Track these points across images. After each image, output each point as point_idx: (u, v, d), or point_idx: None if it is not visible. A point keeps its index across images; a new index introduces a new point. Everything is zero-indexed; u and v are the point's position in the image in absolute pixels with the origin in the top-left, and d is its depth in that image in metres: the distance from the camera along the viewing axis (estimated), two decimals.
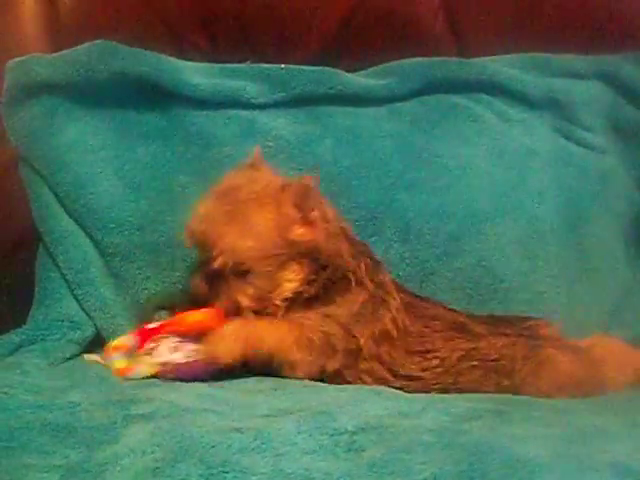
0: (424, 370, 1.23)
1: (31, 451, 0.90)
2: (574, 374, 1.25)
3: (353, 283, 1.23)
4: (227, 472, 0.82)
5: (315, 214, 1.21)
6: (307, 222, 1.21)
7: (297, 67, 1.46)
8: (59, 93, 1.39)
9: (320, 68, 1.47)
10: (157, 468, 0.83)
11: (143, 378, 1.17)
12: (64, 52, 1.40)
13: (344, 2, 1.55)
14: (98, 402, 1.02)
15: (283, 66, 1.46)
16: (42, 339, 1.31)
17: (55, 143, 1.38)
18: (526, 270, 1.42)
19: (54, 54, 1.41)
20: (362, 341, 1.21)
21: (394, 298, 1.25)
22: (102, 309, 1.35)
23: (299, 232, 1.21)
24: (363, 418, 0.97)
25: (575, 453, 0.89)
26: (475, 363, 1.23)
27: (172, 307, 1.28)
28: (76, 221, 1.37)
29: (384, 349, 1.23)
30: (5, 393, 1.04)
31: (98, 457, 0.87)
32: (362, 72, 1.52)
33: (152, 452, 0.86)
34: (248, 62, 1.47)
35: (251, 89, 1.44)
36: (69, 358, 1.30)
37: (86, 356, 1.30)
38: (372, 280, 1.25)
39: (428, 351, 1.23)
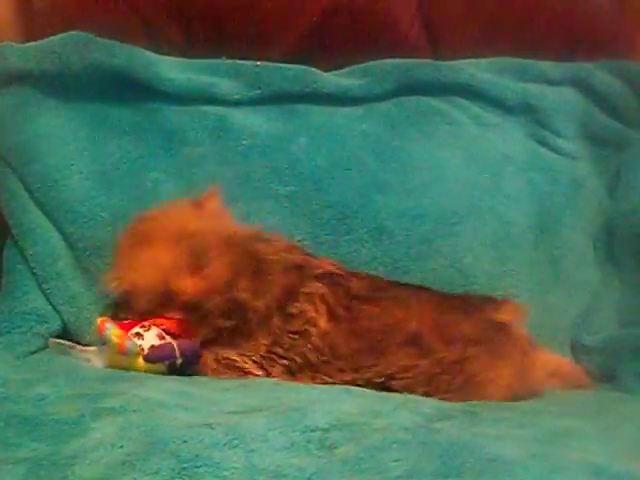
0: (355, 380, 1.20)
1: None
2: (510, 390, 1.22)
3: (254, 326, 1.21)
4: (199, 466, 0.81)
5: (208, 271, 1.21)
6: (197, 275, 1.21)
7: (273, 64, 1.46)
8: (32, 83, 1.38)
9: (296, 66, 1.46)
10: (127, 461, 0.81)
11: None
12: (38, 42, 1.38)
13: (321, 2, 1.54)
14: (66, 395, 1.01)
15: (259, 63, 1.45)
16: (8, 331, 1.29)
17: (26, 134, 1.36)
18: (497, 273, 1.42)
19: (27, 43, 1.39)
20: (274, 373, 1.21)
21: (315, 325, 1.21)
22: (69, 303, 1.33)
23: (183, 284, 1.21)
24: (335, 415, 0.96)
25: (548, 453, 0.89)
26: (410, 375, 1.19)
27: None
28: (46, 214, 1.35)
29: (305, 374, 1.21)
30: None
31: (66, 450, 0.86)
32: (338, 72, 1.51)
33: (121, 446, 0.85)
34: (223, 58, 1.46)
35: (226, 85, 1.43)
36: (35, 351, 1.27)
37: (51, 340, 1.29)
38: (284, 313, 1.22)
39: (361, 368, 1.20)
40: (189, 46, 1.51)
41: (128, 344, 1.17)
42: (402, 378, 1.19)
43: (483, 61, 1.55)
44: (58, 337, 1.31)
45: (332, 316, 1.22)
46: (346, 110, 1.48)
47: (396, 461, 0.84)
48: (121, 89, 1.39)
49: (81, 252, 1.34)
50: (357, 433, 0.92)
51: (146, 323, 1.20)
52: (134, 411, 0.95)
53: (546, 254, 1.46)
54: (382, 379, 1.19)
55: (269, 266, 1.24)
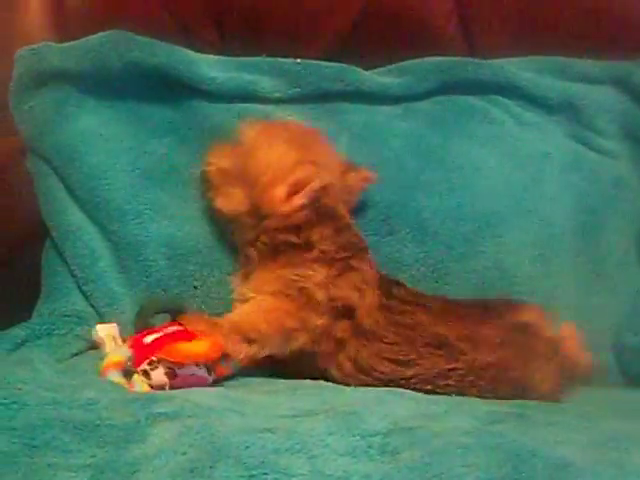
0: (400, 379, 1.19)
1: (55, 449, 0.86)
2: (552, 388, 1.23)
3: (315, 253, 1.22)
4: (267, 473, 0.80)
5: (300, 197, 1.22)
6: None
7: (313, 62, 1.44)
8: (71, 82, 1.37)
9: (336, 64, 1.45)
10: (195, 469, 0.80)
11: None
12: (77, 41, 1.37)
13: (357, 1, 1.53)
14: (117, 400, 0.98)
15: (299, 60, 1.44)
16: (48, 333, 1.27)
17: (67, 133, 1.35)
18: (539, 274, 1.41)
19: (67, 43, 1.38)
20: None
21: (369, 291, 1.22)
22: (111, 305, 1.32)
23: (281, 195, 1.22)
24: (391, 419, 0.95)
25: (613, 458, 0.88)
26: (452, 382, 1.19)
27: (172, 311, 1.25)
28: (88, 213, 1.35)
29: (353, 343, 1.20)
30: (20, 389, 1.00)
31: (127, 457, 0.84)
32: (377, 70, 1.50)
33: (184, 452, 0.83)
34: (263, 56, 1.45)
35: (266, 83, 1.42)
36: (76, 354, 1.26)
37: (99, 327, 1.26)
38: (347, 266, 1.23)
39: (402, 362, 1.20)
40: (225, 47, 1.50)
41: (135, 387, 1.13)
42: (446, 385, 1.19)
43: (523, 59, 1.54)
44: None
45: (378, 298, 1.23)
46: (386, 109, 1.46)
47: (465, 466, 0.82)
48: (161, 88, 1.38)
49: (123, 251, 1.34)
50: (417, 437, 0.90)
51: (154, 358, 1.13)
52: (189, 416, 0.93)
53: (588, 254, 1.45)
54: (429, 386, 1.19)
55: (349, 234, 1.27)
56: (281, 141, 1.26)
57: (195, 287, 1.34)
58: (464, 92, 1.49)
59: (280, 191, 1.22)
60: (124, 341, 1.19)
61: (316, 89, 1.43)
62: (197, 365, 1.14)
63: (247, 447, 0.84)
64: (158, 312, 1.26)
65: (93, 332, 1.25)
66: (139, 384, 1.12)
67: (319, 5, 1.52)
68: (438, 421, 0.98)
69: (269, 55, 1.45)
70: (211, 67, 1.40)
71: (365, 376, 1.20)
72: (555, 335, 1.28)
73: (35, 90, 1.37)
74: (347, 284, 1.21)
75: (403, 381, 1.19)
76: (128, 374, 1.13)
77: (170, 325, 1.18)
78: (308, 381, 1.19)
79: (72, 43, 1.37)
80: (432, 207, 1.39)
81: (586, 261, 1.45)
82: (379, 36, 1.53)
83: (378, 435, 0.91)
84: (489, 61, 1.51)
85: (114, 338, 1.24)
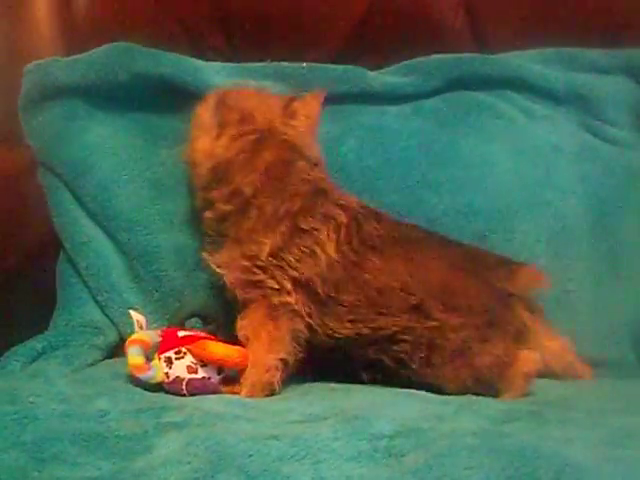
0: (356, 335, 1.19)
1: (62, 462, 0.87)
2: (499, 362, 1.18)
3: (256, 223, 1.20)
4: None
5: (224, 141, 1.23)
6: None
7: (319, 65, 1.45)
8: (79, 96, 1.39)
9: (343, 66, 1.45)
10: (196, 478, 0.80)
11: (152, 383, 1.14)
12: (83, 55, 1.39)
13: (361, 1, 1.53)
14: (127, 410, 1.00)
15: (305, 65, 1.44)
16: (64, 345, 1.28)
17: (76, 146, 1.37)
18: (554, 267, 1.38)
19: (72, 57, 1.40)
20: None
21: (325, 252, 1.20)
22: (125, 314, 1.32)
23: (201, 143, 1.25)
24: (399, 422, 0.95)
25: (622, 456, 0.87)
26: (409, 338, 1.17)
27: (206, 317, 1.27)
28: (100, 225, 1.36)
29: (316, 313, 1.19)
30: (32, 402, 1.02)
31: (132, 468, 0.85)
32: (384, 70, 1.49)
33: (189, 462, 0.84)
34: (268, 61, 1.45)
35: (273, 88, 1.41)
36: (92, 364, 1.27)
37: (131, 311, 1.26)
38: (295, 225, 1.20)
39: (360, 321, 1.19)
40: (231, 52, 1.51)
41: (146, 374, 1.14)
42: (403, 340, 1.17)
43: (530, 52, 1.52)
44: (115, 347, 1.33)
45: (340, 249, 1.20)
46: (395, 108, 1.46)
47: (468, 468, 0.82)
48: (168, 97, 1.39)
49: (135, 261, 1.35)
50: (423, 439, 0.90)
51: (184, 349, 1.16)
52: (197, 425, 0.94)
53: (603, 246, 1.43)
54: (382, 340, 1.18)
55: (296, 178, 1.24)
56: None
57: (208, 296, 1.35)
58: (472, 88, 1.48)
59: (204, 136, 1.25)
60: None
61: None
62: (218, 372, 1.17)
63: (250, 455, 0.85)
64: (192, 315, 1.33)
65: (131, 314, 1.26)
66: (156, 369, 1.14)
67: (324, 7, 1.52)
68: (447, 422, 0.98)
69: (275, 60, 1.46)
70: (217, 74, 1.41)
71: (329, 339, 1.20)
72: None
73: (44, 104, 1.39)
74: (296, 253, 1.19)
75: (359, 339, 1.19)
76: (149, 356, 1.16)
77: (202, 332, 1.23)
78: (319, 384, 1.20)
79: (78, 57, 1.39)
80: (443, 204, 1.38)
81: (600, 254, 1.43)
82: (385, 34, 1.53)
83: (384, 438, 0.91)
84: (495, 55, 1.50)
85: (142, 326, 1.24)
